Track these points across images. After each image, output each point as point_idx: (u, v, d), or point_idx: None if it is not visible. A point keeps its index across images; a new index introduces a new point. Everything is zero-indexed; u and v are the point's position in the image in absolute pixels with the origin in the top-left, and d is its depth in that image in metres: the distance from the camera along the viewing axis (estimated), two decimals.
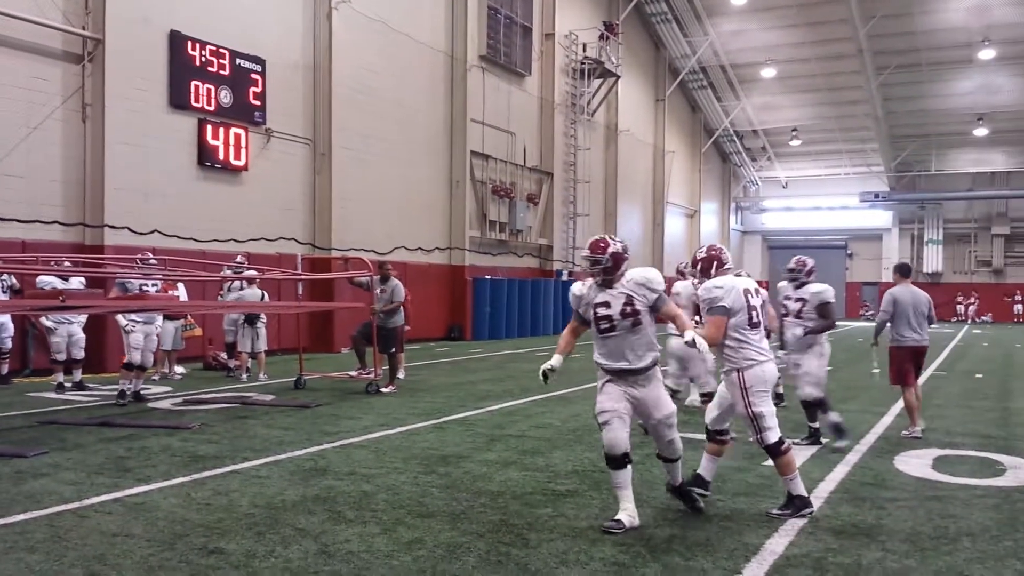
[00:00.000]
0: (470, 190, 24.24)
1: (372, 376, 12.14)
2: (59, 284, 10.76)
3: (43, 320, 12.04)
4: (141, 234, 15.00)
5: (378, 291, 12.33)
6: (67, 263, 11.86)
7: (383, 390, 11.87)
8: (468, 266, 23.94)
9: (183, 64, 15.99)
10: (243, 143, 17.18)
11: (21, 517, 5.43)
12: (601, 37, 30.33)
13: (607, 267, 5.50)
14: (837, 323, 8.13)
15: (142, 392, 10.92)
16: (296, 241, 18.56)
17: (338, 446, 7.97)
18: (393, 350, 12.43)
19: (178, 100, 15.93)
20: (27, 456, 7.24)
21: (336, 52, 19.09)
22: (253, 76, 17.49)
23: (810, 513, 5.70)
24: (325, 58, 19.03)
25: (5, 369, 12.35)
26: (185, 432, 8.56)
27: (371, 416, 9.79)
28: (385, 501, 5.92)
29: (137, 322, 10.68)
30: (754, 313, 5.80)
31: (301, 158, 18.95)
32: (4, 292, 11.08)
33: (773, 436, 5.70)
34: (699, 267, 6.15)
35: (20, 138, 13.45)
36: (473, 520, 5.48)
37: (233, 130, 16.96)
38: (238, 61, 17.12)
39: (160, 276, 11.22)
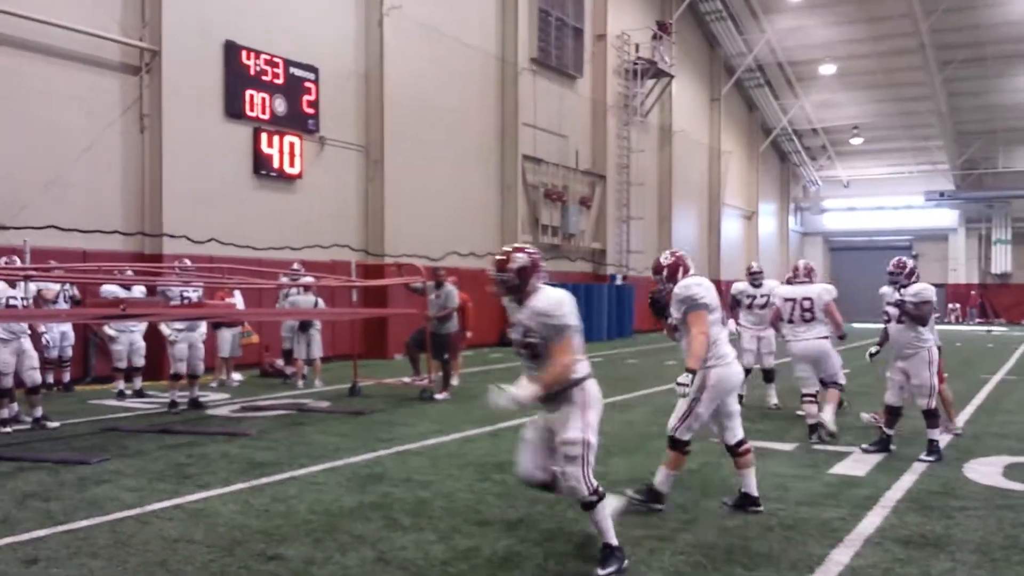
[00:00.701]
0: (522, 194, 24.20)
1: (426, 383, 12.14)
2: (121, 293, 10.96)
3: (105, 329, 12.29)
4: (199, 242, 15.25)
5: (432, 297, 12.34)
6: (129, 272, 12.09)
7: (437, 397, 11.86)
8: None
9: (238, 74, 16.24)
10: (297, 151, 17.37)
11: (84, 523, 5.51)
12: (654, 37, 30.06)
13: (512, 286, 4.78)
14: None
15: (199, 399, 11.07)
16: (349, 248, 18.71)
17: (393, 453, 7.97)
18: (447, 356, 12.40)
19: (233, 109, 16.18)
20: (90, 463, 7.36)
21: (388, 59, 19.21)
22: (307, 84, 17.69)
23: (661, 509, 5.85)
24: (377, 65, 19.16)
25: (67, 377, 12.63)
26: (243, 439, 8.64)
27: (426, 423, 9.78)
28: (441, 508, 5.89)
29: (180, 330, 10.84)
30: (724, 315, 6.08)
31: (354, 165, 19.11)
32: (65, 302, 11.32)
33: (686, 436, 5.85)
34: (664, 273, 6.06)
35: (81, 149, 13.77)
36: (530, 528, 5.41)
37: (287, 138, 17.17)
38: (292, 70, 17.32)
39: (200, 283, 11.39)
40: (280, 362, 14.72)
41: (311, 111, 17.78)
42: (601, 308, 26.72)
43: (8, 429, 8.92)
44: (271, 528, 5.41)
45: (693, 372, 5.53)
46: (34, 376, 9.31)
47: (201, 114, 15.56)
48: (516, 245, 5.00)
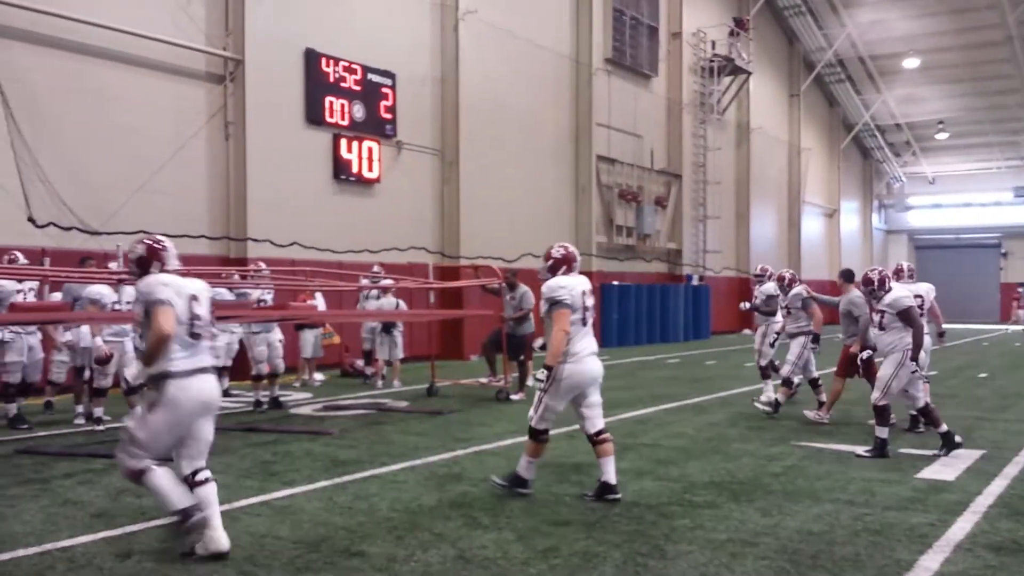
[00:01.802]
0: (596, 195, 24.12)
1: (502, 383, 12.21)
2: (228, 295, 11.27)
3: None
4: (281, 246, 15.65)
5: (507, 298, 12.41)
6: (237, 276, 12.45)
7: (513, 397, 11.92)
8: (595, 272, 23.76)
9: (318, 81, 16.61)
10: (375, 156, 17.69)
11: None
12: (731, 34, 29.65)
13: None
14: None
15: (279, 398, 11.34)
16: (426, 250, 18.94)
17: (471, 452, 8.05)
18: (523, 357, 12.46)
19: (314, 116, 16.56)
20: None
21: (463, 62, 19.39)
22: (384, 90, 17.99)
23: (527, 493, 6.23)
24: (452, 69, 19.36)
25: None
26: (326, 437, 8.84)
27: (502, 423, 9.84)
28: (519, 508, 5.92)
29: (256, 332, 11.11)
30: (587, 314, 6.23)
31: (430, 168, 19.34)
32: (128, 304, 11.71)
33: (538, 425, 6.22)
34: (550, 264, 6.41)
35: (168, 157, 14.27)
36: (608, 529, 5.41)
37: (366, 143, 17.49)
38: (369, 76, 17.64)
39: (272, 285, 11.65)
40: (360, 362, 15.00)
41: (388, 116, 18.08)
42: (677, 309, 26.46)
43: (101, 427, 9.29)
44: (354, 525, 5.52)
45: (550, 368, 6.05)
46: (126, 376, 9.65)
47: (283, 121, 15.97)
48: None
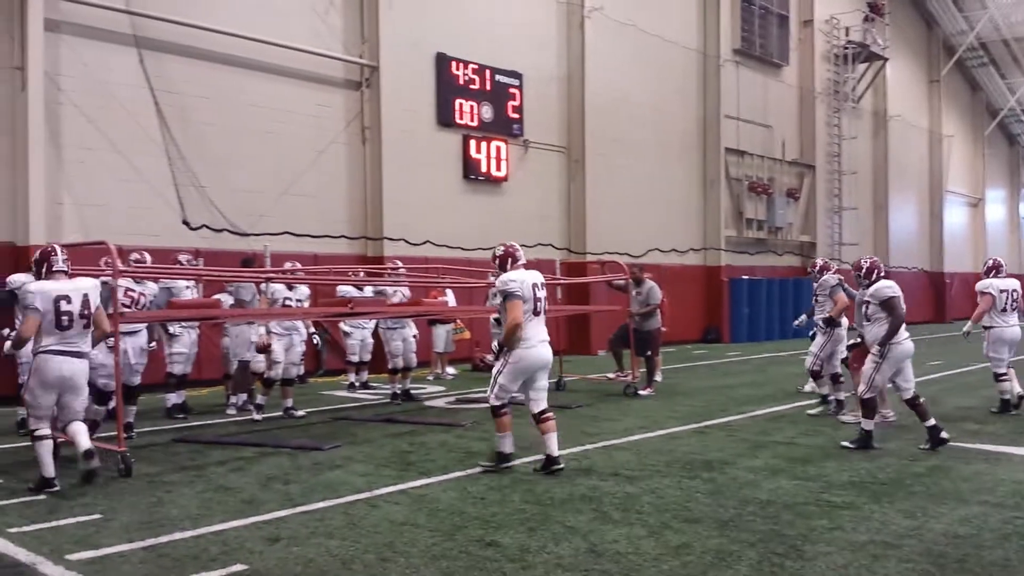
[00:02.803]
0: (725, 188, 23.69)
1: (630, 379, 12.21)
2: (355, 293, 11.79)
3: (341, 326, 13.26)
4: (415, 245, 16.13)
5: (633, 293, 12.39)
6: (361, 273, 12.98)
7: (641, 393, 11.90)
8: (724, 266, 23.38)
9: (448, 84, 17.02)
10: (503, 155, 17.98)
11: (320, 505, 5.99)
12: (865, 19, 28.52)
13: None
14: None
15: (411, 391, 11.72)
16: (553, 247, 19.09)
17: (600, 447, 8.11)
18: (650, 353, 12.41)
19: (444, 118, 16.98)
20: (323, 449, 8.00)
21: (588, 60, 19.43)
22: (511, 91, 18.25)
23: (507, 466, 6.88)
24: (578, 67, 19.43)
25: (302, 370, 13.71)
26: (459, 429, 9.10)
27: (630, 418, 9.85)
28: (650, 504, 5.94)
29: (392, 328, 11.52)
30: (537, 304, 6.90)
31: (556, 166, 19.47)
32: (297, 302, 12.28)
33: (495, 402, 6.94)
34: (497, 262, 7.20)
35: (310, 161, 14.94)
36: (742, 528, 5.36)
37: (494, 143, 17.80)
38: (497, 77, 17.94)
39: (408, 284, 12.02)
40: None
41: (515, 116, 18.33)
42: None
43: (259, 417, 9.85)
44: (487, 515, 5.67)
45: (500, 348, 6.86)
46: (291, 370, 10.22)
47: (415, 124, 16.46)
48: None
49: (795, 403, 10.97)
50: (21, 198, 11.54)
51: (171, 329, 10.00)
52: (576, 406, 10.81)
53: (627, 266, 12.90)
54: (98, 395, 7.77)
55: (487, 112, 17.71)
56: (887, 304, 7.88)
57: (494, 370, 7.00)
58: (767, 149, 25.41)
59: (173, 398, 10.17)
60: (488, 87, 17.75)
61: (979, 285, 10.05)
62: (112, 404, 8.76)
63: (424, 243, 16.33)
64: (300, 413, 10.16)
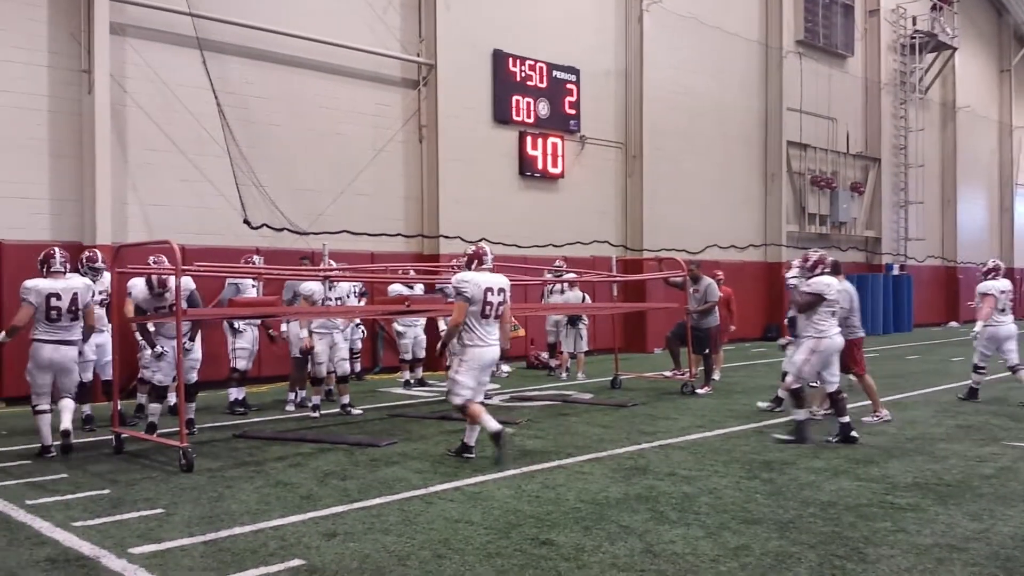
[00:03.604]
0: (787, 182, 23.26)
1: (687, 377, 12.06)
2: (406, 291, 11.87)
3: (394, 324, 13.37)
4: (471, 242, 16.03)
5: (691, 291, 12.22)
6: (411, 271, 13.06)
7: (698, 391, 11.75)
8: (785, 263, 22.96)
9: (504, 81, 17.01)
10: (559, 152, 17.90)
11: (377, 501, 6.03)
12: (933, 8, 27.72)
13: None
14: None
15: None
16: (609, 244, 18.95)
17: (656, 446, 8.02)
18: (708, 351, 12.24)
19: (501, 115, 16.98)
20: (379, 446, 8.07)
21: (647, 54, 19.25)
22: (568, 86, 18.16)
23: (470, 457, 7.31)
24: (636, 61, 19.26)
25: (358, 367, 13.87)
26: (513, 427, 9.06)
27: (688, 417, 9.73)
28: (707, 504, 5.85)
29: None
30: (488, 308, 7.26)
31: (613, 162, 19.33)
32: (358, 299, 12.42)
33: (457, 400, 7.30)
34: (465, 261, 7.57)
35: (368, 160, 15.07)
36: (803, 530, 5.24)
37: (550, 140, 17.73)
38: (554, 73, 17.87)
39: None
40: (545, 355, 15.24)
41: (572, 112, 18.24)
42: (876, 300, 25.04)
43: (317, 414, 9.97)
44: (542, 514, 5.64)
45: (443, 346, 7.62)
46: (344, 366, 10.33)
47: (472, 121, 16.48)
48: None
49: (858, 402, 10.70)
50: (88, 199, 11.86)
51: (236, 325, 10.20)
52: (632, 404, 10.73)
53: (685, 262, 12.74)
54: (80, 388, 8.26)
55: (543, 108, 17.66)
56: (811, 298, 8.11)
57: (451, 371, 7.48)
58: (831, 142, 24.89)
59: (235, 393, 10.35)
60: (545, 83, 17.69)
61: (980, 287, 10.65)
62: (172, 400, 8.99)
63: (480, 240, 16.27)
64: (357, 411, 10.25)
